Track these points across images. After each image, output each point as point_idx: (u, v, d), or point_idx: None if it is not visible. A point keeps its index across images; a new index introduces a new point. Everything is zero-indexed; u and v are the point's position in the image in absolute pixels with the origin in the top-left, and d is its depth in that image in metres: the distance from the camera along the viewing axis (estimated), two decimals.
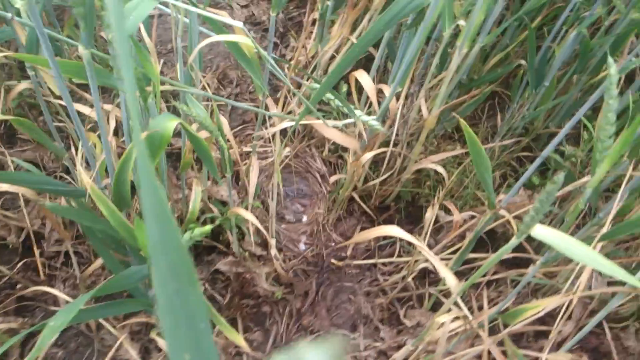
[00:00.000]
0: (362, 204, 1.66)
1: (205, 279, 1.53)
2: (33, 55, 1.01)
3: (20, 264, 1.41)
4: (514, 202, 1.34)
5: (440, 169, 1.38)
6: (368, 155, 1.39)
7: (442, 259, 1.47)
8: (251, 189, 1.38)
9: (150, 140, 0.79)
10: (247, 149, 1.71)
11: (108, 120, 1.06)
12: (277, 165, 1.33)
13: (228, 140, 1.17)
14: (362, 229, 1.71)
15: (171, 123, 0.79)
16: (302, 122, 1.12)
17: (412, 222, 1.71)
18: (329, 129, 1.13)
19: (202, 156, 0.97)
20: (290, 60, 1.83)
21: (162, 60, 1.95)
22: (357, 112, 1.08)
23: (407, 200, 1.67)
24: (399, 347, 1.50)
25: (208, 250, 1.58)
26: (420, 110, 1.42)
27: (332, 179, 1.56)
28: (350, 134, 1.40)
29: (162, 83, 0.98)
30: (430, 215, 1.37)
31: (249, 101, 1.89)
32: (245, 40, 0.85)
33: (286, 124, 1.11)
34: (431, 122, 1.37)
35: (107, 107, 1.11)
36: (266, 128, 1.73)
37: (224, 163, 1.15)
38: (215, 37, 0.85)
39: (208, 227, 1.26)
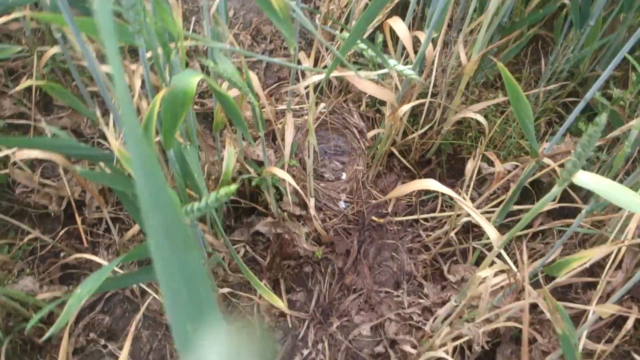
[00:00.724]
0: (401, 158, 1.61)
1: (246, 241, 1.52)
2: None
3: (63, 232, 1.42)
4: (560, 149, 1.27)
5: (481, 119, 1.32)
6: (405, 108, 1.34)
7: (485, 213, 1.42)
8: (287, 148, 1.35)
9: (172, 98, 0.76)
10: (283, 107, 1.67)
11: (132, 80, 1.03)
12: (311, 121, 1.29)
13: (259, 98, 1.13)
14: (403, 184, 1.66)
15: (193, 79, 0.76)
16: (335, 74, 1.07)
17: (454, 175, 1.66)
18: (362, 81, 1.09)
19: (230, 114, 0.94)
20: (320, 9, 1.77)
21: (193, 18, 1.92)
22: (391, 62, 1.02)
23: (448, 153, 1.62)
24: (444, 303, 1.47)
25: (247, 212, 1.57)
26: (458, 57, 1.35)
27: (370, 134, 1.51)
28: (387, 86, 1.34)
29: (186, 38, 0.95)
30: (471, 167, 1.31)
31: (282, 57, 1.84)
32: None
33: (317, 77, 1.06)
34: (470, 68, 1.30)
35: (134, 67, 1.08)
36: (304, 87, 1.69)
37: (256, 121, 1.12)
38: None
39: (233, 187, 1.24)
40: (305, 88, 1.69)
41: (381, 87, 1.14)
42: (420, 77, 1.09)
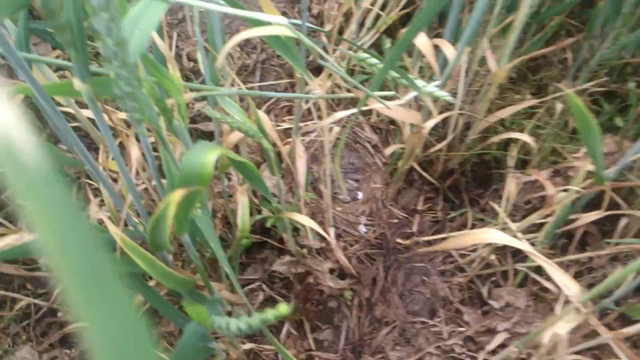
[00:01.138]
0: (422, 172, 1.46)
1: (262, 279, 1.38)
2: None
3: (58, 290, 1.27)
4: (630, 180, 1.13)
5: (527, 139, 1.17)
6: (430, 124, 1.19)
7: (527, 233, 1.28)
8: (301, 180, 1.19)
9: (185, 183, 0.61)
10: (285, 124, 1.51)
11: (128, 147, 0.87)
12: (328, 154, 1.14)
13: (273, 143, 0.98)
14: (426, 199, 1.52)
15: (210, 156, 0.60)
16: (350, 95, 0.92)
17: (481, 184, 1.51)
18: (392, 110, 0.93)
19: (253, 182, 0.79)
20: (321, 21, 1.60)
21: (174, 33, 1.74)
22: (419, 83, 0.87)
23: (473, 162, 1.47)
24: (488, 331, 1.34)
25: (258, 247, 1.42)
26: (484, 62, 1.19)
27: (388, 150, 1.36)
28: (406, 106, 1.19)
29: (186, 90, 0.79)
30: (514, 189, 1.16)
31: (277, 67, 1.67)
32: (283, 30, 0.64)
33: (342, 113, 0.90)
34: (502, 76, 1.15)
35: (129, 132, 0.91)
36: (306, 101, 1.53)
37: (271, 167, 0.97)
38: (251, 33, 0.64)
39: (246, 242, 1.09)
40: (306, 103, 1.53)
41: (408, 111, 0.99)
42: (453, 98, 0.94)
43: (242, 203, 0.96)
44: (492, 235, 0.79)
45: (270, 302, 1.38)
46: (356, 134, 1.51)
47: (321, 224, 1.39)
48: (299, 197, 1.20)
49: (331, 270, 1.33)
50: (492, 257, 1.36)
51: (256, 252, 1.43)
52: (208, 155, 0.61)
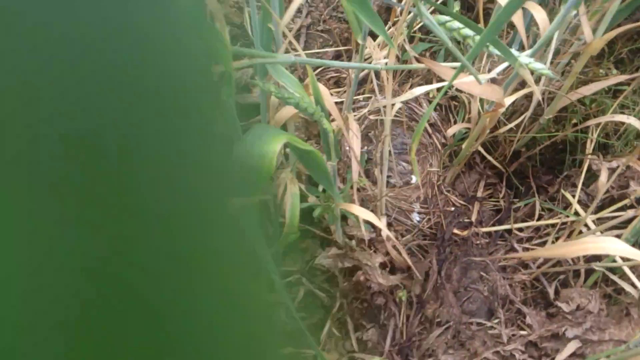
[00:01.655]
0: (486, 154, 1.30)
1: (301, 272, 1.24)
2: None
3: None
4: None
5: (623, 119, 0.99)
6: (509, 101, 1.02)
7: (609, 227, 1.11)
8: (355, 163, 1.04)
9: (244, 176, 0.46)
10: (334, 98, 1.35)
11: None
12: (389, 135, 0.98)
13: (330, 116, 0.82)
14: (487, 185, 1.36)
15: (273, 145, 0.45)
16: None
17: (551, 169, 1.34)
18: (477, 86, 0.77)
19: (315, 173, 0.64)
20: None
21: None
22: (518, 55, 0.71)
23: (542, 144, 1.30)
24: (554, 336, 1.19)
25: (300, 235, 1.27)
26: (575, 31, 1.02)
27: (451, 130, 1.20)
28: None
29: (235, 58, 0.64)
30: (601, 179, 1.00)
31: (323, 33, 1.51)
32: None
33: (420, 89, 0.74)
34: (596, 46, 0.97)
35: None
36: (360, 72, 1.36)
37: (328, 150, 0.81)
38: None
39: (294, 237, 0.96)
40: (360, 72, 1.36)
41: (489, 86, 0.82)
42: (554, 73, 0.78)
43: (292, 193, 0.81)
44: (607, 245, 0.63)
45: (310, 297, 1.24)
46: (413, 110, 1.34)
47: (372, 211, 1.24)
48: (352, 183, 1.05)
49: (382, 265, 1.18)
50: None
51: (296, 240, 1.29)
52: (271, 144, 0.46)
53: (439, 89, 0.95)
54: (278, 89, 0.65)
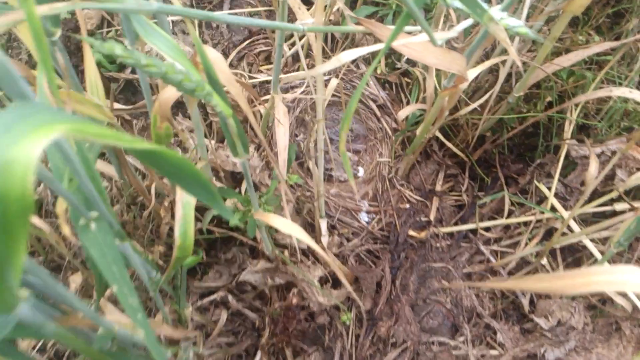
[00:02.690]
0: (445, 141, 1.09)
1: (227, 288, 1.01)
2: None
3: None
4: None
5: (619, 92, 0.80)
6: (473, 73, 0.81)
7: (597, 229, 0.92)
8: (281, 155, 0.82)
9: None
10: (262, 76, 1.12)
11: None
12: (322, 117, 0.76)
13: (234, 100, 0.60)
14: (447, 177, 1.15)
15: (33, 142, 0.22)
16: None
17: (521, 157, 1.14)
18: (432, 52, 0.56)
19: (182, 184, 0.41)
20: None
21: None
22: (493, 10, 0.50)
23: (510, 127, 1.10)
24: (531, 358, 0.99)
25: (224, 242, 1.05)
26: None
27: (403, 113, 0.98)
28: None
29: None
30: (590, 169, 0.80)
31: None
32: None
33: (351, 53, 0.52)
34: (581, 3, 0.77)
35: None
36: (291, 45, 1.14)
37: (230, 141, 0.59)
38: None
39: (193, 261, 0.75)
40: (291, 47, 1.14)
41: (449, 54, 0.61)
42: (534, 33, 0.57)
43: (184, 202, 0.58)
44: (629, 278, 0.42)
45: (238, 318, 1.02)
46: (355, 87, 1.12)
47: (310, 213, 1.02)
48: (278, 181, 0.83)
49: (322, 280, 0.97)
50: (533, 251, 1.01)
51: (220, 249, 1.06)
52: (26, 142, 0.23)
53: (370, 61, 0.73)
54: (130, 51, 0.42)
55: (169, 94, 0.61)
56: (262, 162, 1.02)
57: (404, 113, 0.99)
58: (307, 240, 0.64)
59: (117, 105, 0.94)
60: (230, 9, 1.23)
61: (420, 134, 0.98)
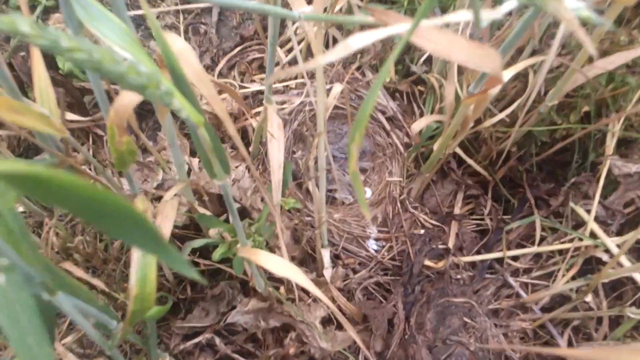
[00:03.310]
0: (465, 156, 0.95)
1: (213, 329, 0.87)
2: None
3: None
4: None
5: None
6: (508, 75, 0.68)
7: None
8: (275, 176, 0.68)
9: None
10: (255, 86, 0.99)
11: None
12: (324, 129, 0.63)
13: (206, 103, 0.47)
14: (467, 198, 1.01)
15: None
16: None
17: (551, 175, 1.00)
18: (461, 46, 0.42)
19: (115, 232, 0.27)
20: None
21: None
22: None
23: (540, 141, 0.96)
24: None
25: (212, 275, 0.91)
26: None
27: (417, 126, 0.84)
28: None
29: None
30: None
31: None
32: None
33: (363, 38, 0.38)
34: None
35: None
36: (288, 51, 1.02)
37: (203, 155, 0.46)
38: None
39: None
40: (288, 53, 1.01)
41: (480, 47, 0.47)
42: (599, 17, 0.43)
43: (140, 268, 0.45)
44: None
45: None
46: (362, 98, 0.99)
47: (310, 241, 0.88)
48: (272, 206, 0.69)
49: (324, 320, 0.83)
50: (573, 286, 0.86)
51: (207, 283, 0.92)
52: None
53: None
54: (42, 29, 0.28)
55: (129, 99, 0.47)
56: (255, 184, 0.88)
57: (418, 126, 0.85)
58: (305, 283, 0.50)
59: (72, 117, 0.80)
60: (219, 14, 1.10)
61: (438, 149, 0.84)
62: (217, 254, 0.65)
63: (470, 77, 0.78)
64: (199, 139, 0.43)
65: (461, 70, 0.81)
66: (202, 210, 0.77)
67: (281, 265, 0.51)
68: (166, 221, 0.64)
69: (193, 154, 0.98)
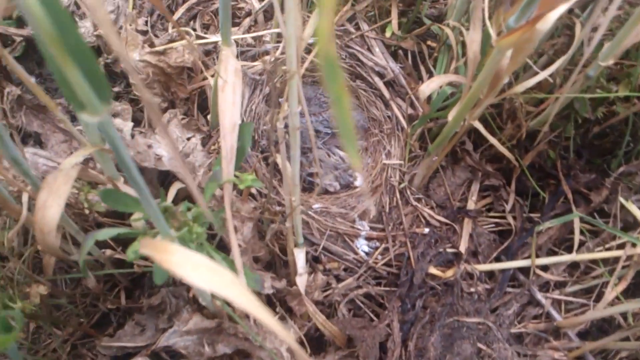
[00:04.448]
0: (485, 133, 0.74)
1: (151, 349, 0.65)
2: None
3: None
4: None
5: None
6: (554, 16, 0.47)
7: None
8: (228, 143, 0.47)
9: None
10: (215, 38, 0.77)
11: None
12: (295, 90, 0.41)
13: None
14: (485, 189, 0.80)
15: None
16: None
17: (591, 163, 0.79)
18: None
19: None
20: None
21: None
22: None
23: (581, 118, 0.75)
24: None
25: (152, 278, 0.69)
26: None
27: (427, 87, 0.63)
28: None
29: None
30: None
31: None
32: None
33: None
34: None
35: None
36: None
37: (60, 74, 0.23)
38: None
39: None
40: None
41: None
42: None
43: None
44: None
45: None
46: (356, 57, 0.77)
47: (279, 238, 0.67)
48: (219, 184, 0.48)
49: (299, 340, 0.61)
50: (624, 308, 0.65)
51: (146, 290, 0.70)
52: None
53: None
54: None
55: None
56: (210, 160, 0.66)
57: (428, 88, 0.64)
58: (248, 305, 0.29)
59: None
60: None
61: (453, 121, 0.63)
62: (130, 252, 0.43)
63: (503, 18, 0.57)
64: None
65: (491, 10, 0.60)
66: (128, 190, 0.55)
67: (206, 272, 0.29)
68: (53, 199, 0.43)
69: (136, 122, 0.76)
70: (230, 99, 0.49)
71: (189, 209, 0.48)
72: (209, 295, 0.53)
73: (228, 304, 0.58)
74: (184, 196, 0.65)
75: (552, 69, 0.64)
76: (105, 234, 0.47)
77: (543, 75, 0.63)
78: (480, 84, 0.57)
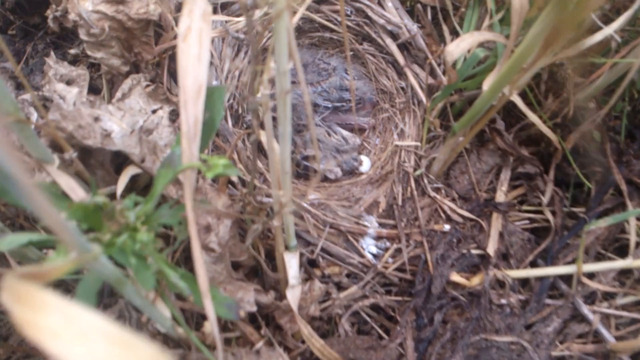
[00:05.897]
0: (524, 106, 0.60)
1: None
2: None
3: None
4: None
5: None
6: None
7: None
8: (190, 112, 0.33)
9: None
10: None
11: None
12: (285, 44, 0.27)
13: None
14: (517, 177, 0.66)
15: None
16: None
17: None
18: None
19: None
20: None
21: None
22: None
23: (637, 93, 0.61)
24: None
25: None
26: None
27: (455, 48, 0.49)
28: None
29: None
30: None
31: None
32: None
33: None
34: None
35: None
36: None
37: None
38: None
39: None
40: None
41: None
42: None
43: None
44: None
45: None
46: (363, 14, 0.63)
47: (266, 238, 0.53)
48: (176, 170, 0.34)
49: None
50: None
51: (104, 299, 0.57)
52: None
53: None
54: None
55: None
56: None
57: (458, 49, 0.50)
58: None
59: None
60: None
61: (490, 90, 0.49)
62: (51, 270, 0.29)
63: None
64: None
65: None
66: (62, 178, 0.41)
67: (103, 347, 0.15)
68: None
69: (96, 91, 0.62)
70: (195, 52, 0.35)
71: (136, 204, 0.35)
72: (167, 320, 0.40)
73: (199, 325, 0.45)
74: (145, 185, 0.52)
75: (613, 27, 0.50)
76: (13, 241, 0.33)
77: (604, 32, 0.49)
78: (530, 44, 0.43)
